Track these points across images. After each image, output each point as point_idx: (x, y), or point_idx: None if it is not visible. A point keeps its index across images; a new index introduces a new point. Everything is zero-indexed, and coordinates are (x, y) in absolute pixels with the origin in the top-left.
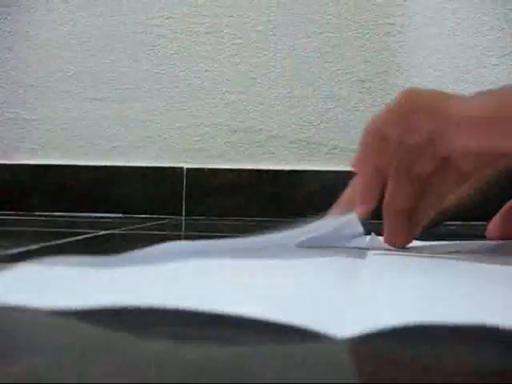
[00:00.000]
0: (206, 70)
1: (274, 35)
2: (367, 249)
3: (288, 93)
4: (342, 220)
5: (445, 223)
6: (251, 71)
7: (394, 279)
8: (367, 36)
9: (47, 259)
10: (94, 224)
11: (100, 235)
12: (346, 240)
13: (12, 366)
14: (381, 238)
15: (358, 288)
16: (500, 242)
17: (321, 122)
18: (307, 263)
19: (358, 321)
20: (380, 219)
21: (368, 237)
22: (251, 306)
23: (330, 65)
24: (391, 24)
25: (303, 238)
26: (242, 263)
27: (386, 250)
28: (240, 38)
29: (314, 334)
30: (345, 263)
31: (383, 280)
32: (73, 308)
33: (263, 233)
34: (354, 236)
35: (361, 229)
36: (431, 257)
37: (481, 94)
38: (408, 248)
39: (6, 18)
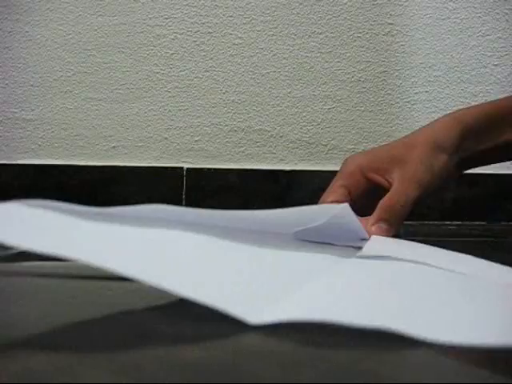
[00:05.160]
0: (206, 70)
1: (274, 35)
2: (359, 247)
3: (288, 93)
4: (336, 209)
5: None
6: (251, 71)
7: (346, 280)
8: (367, 36)
9: (33, 201)
10: None
11: None
12: (340, 232)
13: (12, 365)
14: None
15: (304, 283)
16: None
17: (321, 122)
18: (277, 254)
19: (276, 311)
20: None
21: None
22: (182, 284)
23: (330, 65)
24: (391, 24)
25: (299, 228)
26: (212, 242)
27: (373, 251)
28: (240, 37)
29: (232, 318)
30: (317, 261)
31: (333, 279)
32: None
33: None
34: (348, 227)
35: (354, 218)
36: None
37: None
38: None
39: (5, 18)
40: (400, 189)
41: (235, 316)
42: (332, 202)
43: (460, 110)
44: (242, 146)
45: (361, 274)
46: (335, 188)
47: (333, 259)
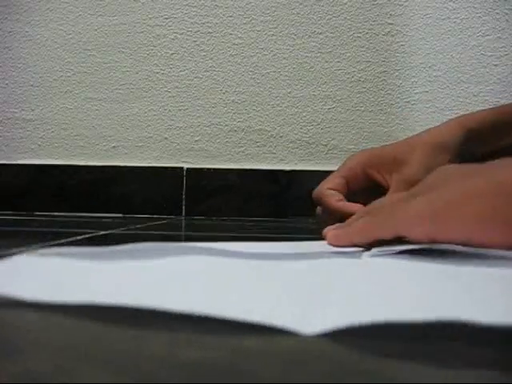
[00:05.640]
0: (206, 70)
1: (274, 35)
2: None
3: (288, 93)
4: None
5: None
6: (251, 71)
7: (376, 279)
8: (367, 36)
9: (42, 250)
10: (94, 224)
11: (100, 235)
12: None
13: (11, 365)
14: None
15: (335, 286)
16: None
17: (321, 122)
18: (296, 264)
19: (326, 318)
20: None
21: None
22: (220, 305)
23: (330, 65)
24: (391, 24)
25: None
26: (228, 261)
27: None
28: (240, 37)
29: (283, 330)
30: (336, 263)
31: (364, 279)
32: (61, 302)
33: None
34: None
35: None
36: (425, 261)
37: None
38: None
39: (5, 18)
40: (396, 191)
41: (287, 328)
42: (329, 188)
43: (464, 115)
44: (242, 146)
45: (388, 271)
46: (333, 178)
47: (347, 261)
